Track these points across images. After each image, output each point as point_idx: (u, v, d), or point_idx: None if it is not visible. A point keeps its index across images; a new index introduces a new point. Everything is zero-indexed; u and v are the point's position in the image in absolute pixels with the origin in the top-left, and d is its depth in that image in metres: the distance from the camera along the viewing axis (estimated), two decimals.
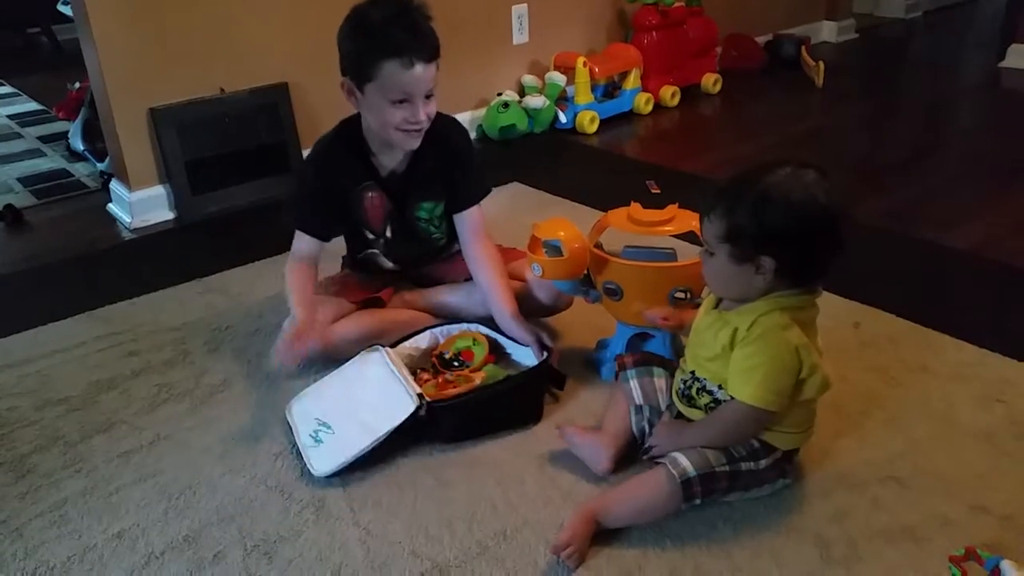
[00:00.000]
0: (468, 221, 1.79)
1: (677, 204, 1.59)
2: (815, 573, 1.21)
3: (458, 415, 1.49)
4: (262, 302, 2.06)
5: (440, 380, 1.60)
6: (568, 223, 1.58)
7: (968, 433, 1.49)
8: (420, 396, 1.47)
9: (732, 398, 1.26)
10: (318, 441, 1.49)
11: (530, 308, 1.76)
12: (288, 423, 1.56)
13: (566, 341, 1.80)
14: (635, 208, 1.60)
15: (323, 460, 1.45)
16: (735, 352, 1.24)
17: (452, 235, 1.86)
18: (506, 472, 1.44)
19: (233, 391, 1.72)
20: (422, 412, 1.45)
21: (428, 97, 1.62)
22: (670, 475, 1.25)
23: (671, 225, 1.56)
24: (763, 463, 1.29)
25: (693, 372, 1.34)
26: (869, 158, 2.96)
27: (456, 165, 1.76)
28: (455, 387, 1.55)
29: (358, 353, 1.72)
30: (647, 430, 1.40)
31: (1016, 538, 1.25)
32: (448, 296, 1.86)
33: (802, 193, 1.17)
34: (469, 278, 1.82)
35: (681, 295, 1.54)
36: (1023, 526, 1.27)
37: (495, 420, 1.53)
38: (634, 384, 1.45)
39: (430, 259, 1.90)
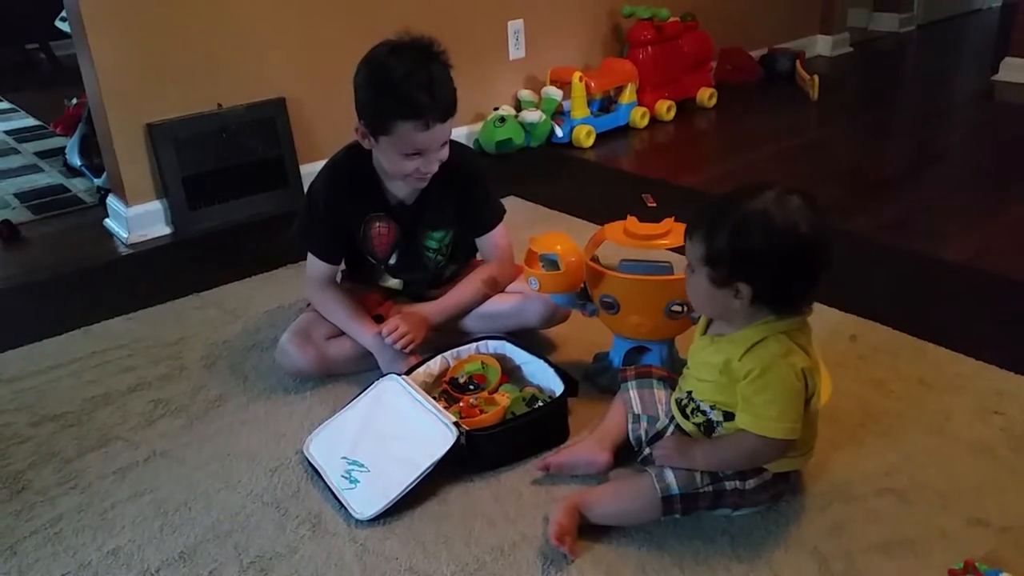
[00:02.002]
0: (494, 242, 1.80)
1: (673, 218, 1.59)
2: None
3: (497, 443, 1.46)
4: (259, 317, 2.06)
5: (463, 406, 1.56)
6: (565, 237, 1.58)
7: (965, 445, 1.49)
8: (457, 425, 1.43)
9: (733, 423, 1.26)
10: (353, 482, 1.42)
11: (526, 321, 1.77)
12: (311, 464, 1.49)
13: (562, 354, 1.80)
14: (631, 222, 1.60)
15: (364, 502, 1.38)
16: (743, 387, 1.22)
17: (453, 257, 1.86)
18: (503, 487, 1.43)
19: (229, 406, 1.71)
20: (462, 442, 1.41)
21: (442, 146, 1.62)
22: (653, 488, 1.26)
23: (667, 239, 1.56)
24: (750, 483, 1.28)
25: (689, 392, 1.34)
26: (864, 171, 2.98)
27: (470, 190, 1.75)
28: (481, 412, 1.53)
29: (355, 369, 1.73)
30: (643, 439, 1.40)
31: (1014, 550, 1.25)
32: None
33: (782, 221, 1.16)
34: None
35: (678, 308, 1.54)
36: (1021, 538, 1.27)
37: (531, 444, 1.50)
38: (633, 394, 1.46)
39: (430, 284, 1.90)
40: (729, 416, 1.27)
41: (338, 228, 1.75)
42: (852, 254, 2.28)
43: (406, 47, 1.57)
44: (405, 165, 1.61)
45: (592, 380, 1.69)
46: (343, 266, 1.88)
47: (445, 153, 1.63)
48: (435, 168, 1.63)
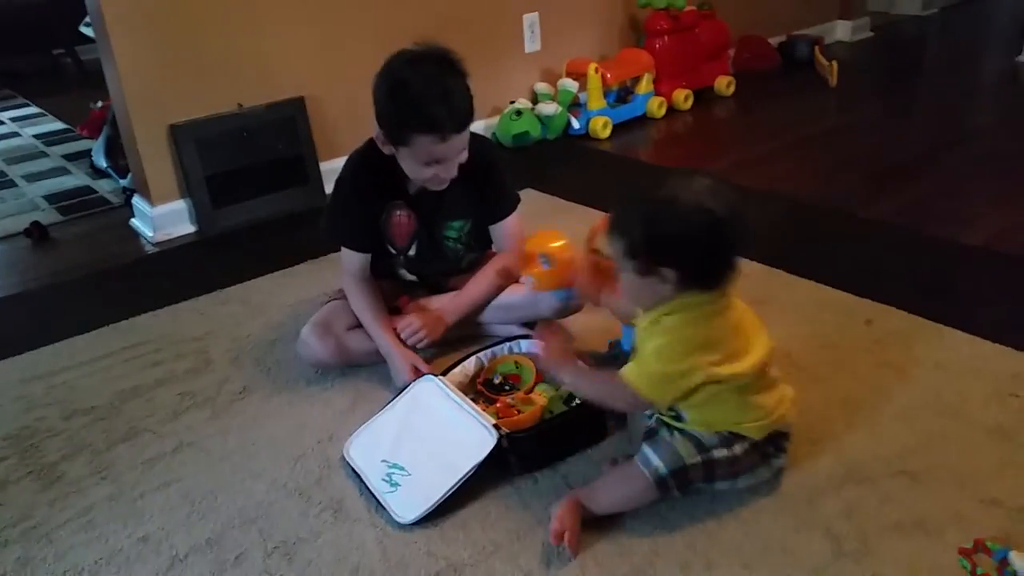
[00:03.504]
0: (507, 231, 1.83)
1: None
2: (827, 567, 1.22)
3: (537, 444, 1.47)
4: (282, 311, 2.11)
5: (500, 406, 1.55)
6: (557, 235, 1.60)
7: (981, 427, 1.49)
8: (497, 427, 1.42)
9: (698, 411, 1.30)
10: (394, 485, 1.42)
11: (540, 312, 1.79)
12: (351, 467, 1.50)
13: (579, 344, 1.82)
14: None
15: (406, 506, 1.38)
16: (637, 335, 1.29)
17: (474, 248, 1.88)
18: None
19: (253, 398, 1.76)
20: (503, 444, 1.40)
21: (460, 152, 1.64)
22: (642, 475, 1.28)
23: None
24: (737, 449, 1.31)
25: None
26: (883, 156, 2.96)
27: (487, 180, 1.78)
28: (518, 412, 1.53)
29: (374, 360, 1.75)
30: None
31: None
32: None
33: (689, 201, 1.20)
34: None
35: None
36: None
37: (570, 444, 1.50)
38: None
39: (447, 273, 1.93)
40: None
41: (365, 215, 1.78)
42: (869, 238, 2.28)
43: (423, 59, 1.59)
44: (424, 172, 1.64)
45: (606, 368, 1.70)
46: None
47: (464, 157, 1.66)
48: (454, 173, 1.66)
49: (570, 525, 1.28)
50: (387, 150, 1.66)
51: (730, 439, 1.31)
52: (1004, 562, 1.10)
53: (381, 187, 1.76)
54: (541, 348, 1.42)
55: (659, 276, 1.22)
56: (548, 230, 1.63)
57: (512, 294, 1.82)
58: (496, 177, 1.80)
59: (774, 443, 1.35)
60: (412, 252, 1.84)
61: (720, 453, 1.30)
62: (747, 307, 1.34)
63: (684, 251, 1.21)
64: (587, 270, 1.56)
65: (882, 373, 1.66)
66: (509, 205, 1.83)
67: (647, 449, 1.31)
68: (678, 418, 1.33)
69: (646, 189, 1.26)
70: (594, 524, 1.32)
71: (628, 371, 1.27)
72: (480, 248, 1.90)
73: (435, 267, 1.90)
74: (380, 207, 1.78)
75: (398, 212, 1.78)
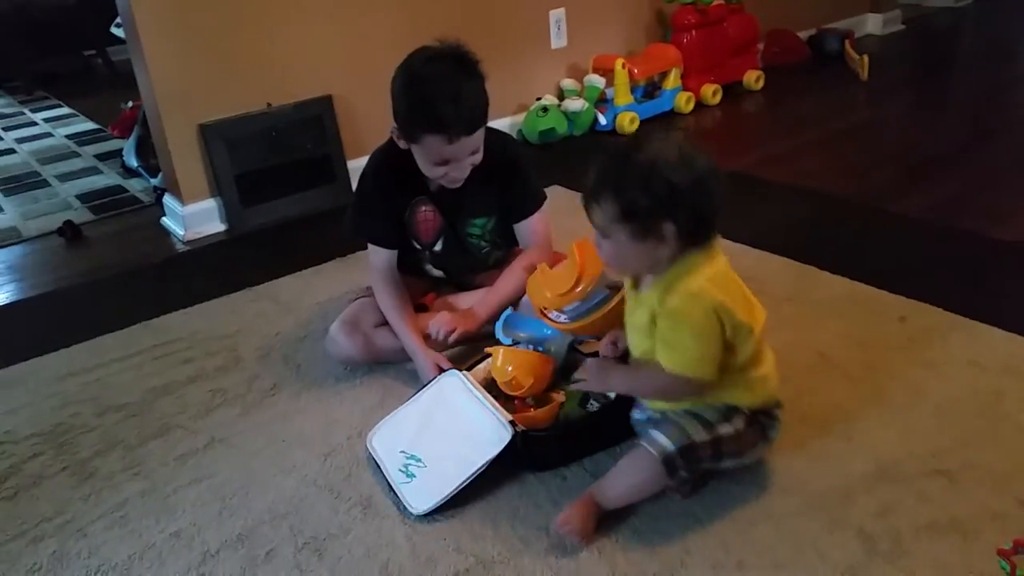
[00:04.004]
0: (532, 229, 1.82)
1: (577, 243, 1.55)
2: (860, 568, 1.21)
3: (554, 444, 1.47)
4: (311, 309, 2.12)
5: (518, 403, 1.56)
6: (522, 358, 1.59)
7: (1018, 426, 1.46)
8: (513, 424, 1.43)
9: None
10: (410, 476, 1.44)
11: None
12: (373, 458, 1.52)
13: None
14: (542, 271, 1.57)
15: (420, 497, 1.40)
16: (659, 324, 1.26)
17: (499, 246, 1.88)
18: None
19: (283, 395, 1.77)
20: (518, 442, 1.40)
21: (473, 154, 1.64)
22: (648, 454, 1.27)
23: (580, 286, 1.49)
24: (739, 423, 1.30)
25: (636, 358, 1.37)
26: (915, 151, 2.91)
27: (510, 178, 1.77)
28: (533, 409, 1.53)
29: (402, 358, 1.76)
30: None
31: None
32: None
33: (677, 153, 1.22)
34: None
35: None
36: None
37: (590, 444, 1.49)
38: None
39: (474, 269, 1.93)
40: None
41: (389, 211, 1.78)
42: (902, 234, 2.25)
43: (440, 57, 1.59)
44: (435, 171, 1.65)
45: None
46: None
47: (477, 159, 1.66)
48: (466, 174, 1.66)
49: (576, 520, 1.28)
50: (402, 145, 1.67)
51: (728, 412, 1.31)
52: None
53: (404, 183, 1.76)
54: (580, 383, 1.43)
55: (658, 235, 1.22)
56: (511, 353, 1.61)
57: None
58: (520, 175, 1.80)
59: (766, 412, 1.35)
60: (438, 248, 1.84)
61: (725, 429, 1.29)
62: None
63: (684, 202, 1.20)
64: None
65: (916, 371, 1.64)
66: (534, 203, 1.82)
67: (653, 431, 1.30)
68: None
69: (618, 156, 1.25)
70: (624, 522, 1.32)
71: (671, 362, 1.26)
72: (507, 246, 1.89)
73: (461, 263, 1.90)
74: (404, 203, 1.79)
75: (423, 208, 1.79)
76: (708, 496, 1.35)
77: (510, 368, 1.57)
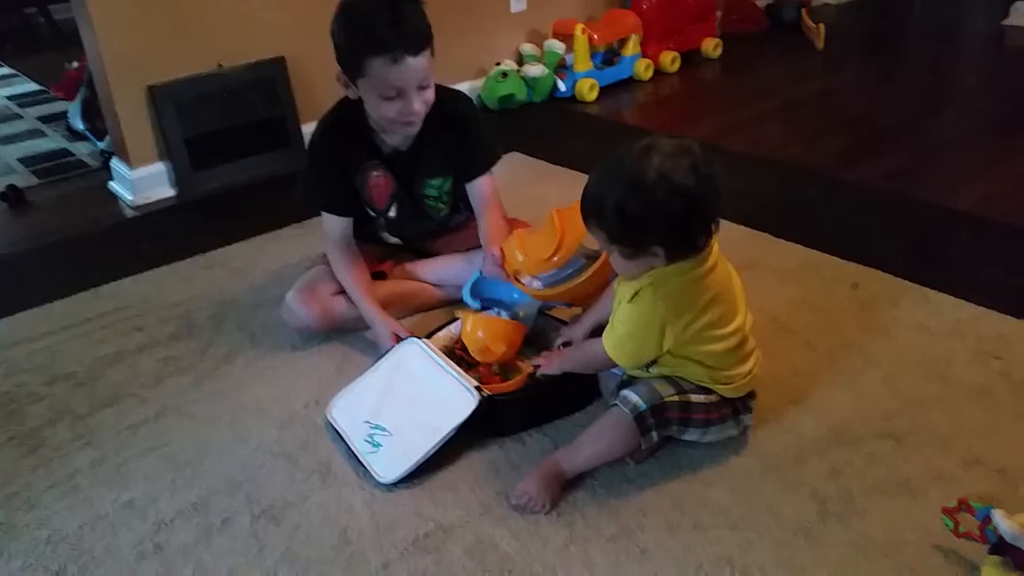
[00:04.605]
0: (480, 191, 1.78)
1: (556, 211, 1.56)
2: (812, 528, 1.23)
3: (520, 408, 1.47)
4: (264, 276, 2.08)
5: (484, 372, 1.55)
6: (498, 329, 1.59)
7: (965, 389, 1.50)
8: (479, 390, 1.42)
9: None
10: (376, 445, 1.42)
11: None
12: (334, 428, 1.50)
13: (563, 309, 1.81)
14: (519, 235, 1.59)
15: (387, 466, 1.38)
16: (618, 308, 1.31)
17: (456, 206, 1.86)
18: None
19: (238, 363, 1.74)
20: (484, 407, 1.40)
21: (422, 88, 1.60)
22: (622, 413, 1.29)
23: (558, 255, 1.50)
24: (713, 396, 1.33)
25: None
26: (870, 120, 2.95)
27: (464, 135, 1.74)
28: (500, 378, 1.52)
29: (360, 326, 1.74)
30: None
31: (1009, 489, 1.27)
32: (450, 266, 1.87)
33: (653, 177, 1.17)
34: (471, 248, 1.83)
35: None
36: (1016, 478, 1.30)
37: (555, 408, 1.50)
38: None
39: (433, 234, 1.91)
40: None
41: (339, 178, 1.75)
42: (856, 202, 2.28)
43: None
44: (386, 108, 1.60)
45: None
46: None
47: (429, 96, 1.62)
48: (417, 109, 1.60)
49: (535, 488, 1.29)
50: (350, 93, 1.64)
51: (705, 388, 1.33)
52: (987, 520, 1.11)
53: (354, 147, 1.73)
54: (543, 367, 1.47)
55: (649, 254, 1.22)
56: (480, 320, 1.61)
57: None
58: (474, 131, 1.76)
59: (742, 401, 1.37)
60: (392, 214, 1.82)
61: (697, 397, 1.32)
62: (734, 272, 1.33)
63: (663, 228, 1.19)
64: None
65: (867, 336, 1.67)
66: (485, 162, 1.79)
67: (625, 391, 1.31)
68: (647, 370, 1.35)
69: (607, 171, 1.23)
70: (582, 486, 1.33)
71: (607, 341, 1.32)
72: (466, 209, 1.86)
73: (418, 228, 1.87)
74: (355, 168, 1.75)
75: (374, 173, 1.76)
76: (664, 458, 1.37)
77: (481, 334, 1.56)
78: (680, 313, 1.25)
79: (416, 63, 1.56)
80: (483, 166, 1.78)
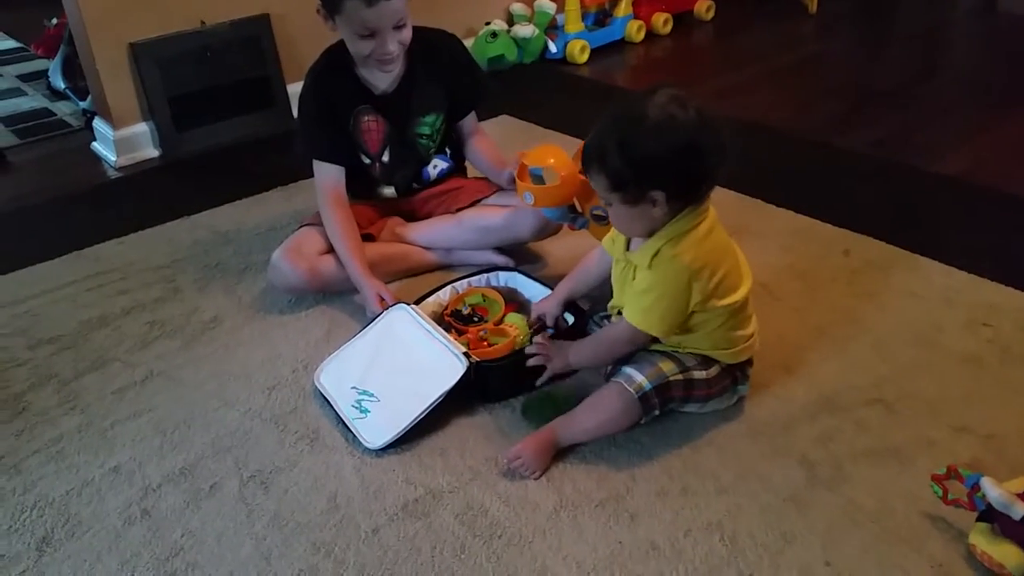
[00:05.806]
0: (474, 125, 1.87)
1: None
2: (801, 493, 1.24)
3: (508, 373, 1.45)
4: (251, 239, 2.05)
5: (472, 337, 1.53)
6: (557, 150, 1.58)
7: (954, 356, 1.51)
8: (467, 356, 1.42)
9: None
10: (364, 412, 1.42)
11: (518, 234, 1.77)
12: (321, 394, 1.49)
13: (549, 270, 1.80)
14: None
15: (374, 432, 1.37)
16: (636, 276, 1.28)
17: (447, 156, 1.89)
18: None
19: (224, 327, 1.72)
20: (472, 373, 1.39)
21: (398, 28, 1.62)
22: (625, 391, 1.28)
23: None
24: (713, 370, 1.33)
25: (620, 311, 1.36)
26: (861, 85, 2.92)
27: (457, 66, 1.80)
28: (487, 344, 1.51)
29: (347, 287, 1.72)
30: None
31: (997, 457, 1.28)
32: (439, 227, 1.85)
33: (658, 118, 1.17)
34: (460, 209, 1.83)
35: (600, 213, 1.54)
36: (1004, 445, 1.30)
37: (541, 375, 1.45)
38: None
39: (423, 184, 1.89)
40: None
41: (331, 124, 1.76)
42: (847, 169, 2.27)
43: None
44: (361, 46, 1.63)
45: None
46: None
47: (405, 36, 1.64)
48: (391, 49, 1.63)
49: (530, 453, 1.29)
50: (329, 27, 1.66)
51: (705, 361, 1.33)
52: (975, 488, 1.12)
53: (345, 92, 1.75)
54: (551, 367, 1.41)
55: (649, 201, 1.21)
56: (545, 145, 1.62)
57: (489, 216, 1.79)
58: (467, 62, 1.85)
59: (741, 369, 1.37)
60: (385, 158, 1.82)
61: (699, 374, 1.32)
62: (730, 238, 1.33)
63: (667, 169, 1.19)
64: (580, 186, 1.54)
65: (858, 303, 1.67)
66: (483, 92, 1.87)
67: (628, 368, 1.31)
68: (655, 340, 1.33)
69: (610, 115, 1.23)
70: (572, 452, 1.33)
71: (632, 313, 1.29)
72: (456, 153, 1.90)
73: (410, 172, 1.87)
74: (347, 115, 1.76)
75: (366, 118, 1.77)
76: (653, 424, 1.36)
77: (552, 160, 1.57)
78: (702, 264, 1.24)
79: (391, 5, 1.58)
80: (476, 100, 1.86)
